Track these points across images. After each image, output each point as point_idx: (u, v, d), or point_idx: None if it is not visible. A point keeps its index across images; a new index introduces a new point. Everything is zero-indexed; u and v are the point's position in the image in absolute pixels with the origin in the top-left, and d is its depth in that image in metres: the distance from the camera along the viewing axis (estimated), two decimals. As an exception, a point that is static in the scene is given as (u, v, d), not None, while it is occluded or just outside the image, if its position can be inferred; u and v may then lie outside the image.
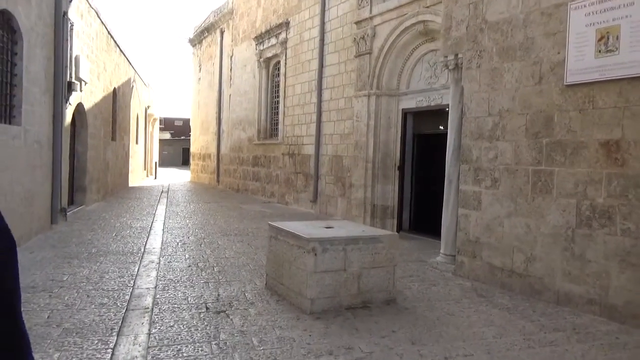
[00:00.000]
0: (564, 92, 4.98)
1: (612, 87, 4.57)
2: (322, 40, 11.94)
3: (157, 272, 5.87)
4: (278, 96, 14.72)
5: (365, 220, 9.74)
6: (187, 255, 6.91)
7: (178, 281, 5.52)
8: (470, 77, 6.06)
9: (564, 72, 4.95)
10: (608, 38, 4.57)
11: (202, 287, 5.29)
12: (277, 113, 14.78)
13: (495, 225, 5.71)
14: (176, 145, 51.18)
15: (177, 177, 27.80)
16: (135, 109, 20.05)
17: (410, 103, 9.30)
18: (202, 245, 7.70)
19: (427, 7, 8.30)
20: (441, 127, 8.77)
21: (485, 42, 5.85)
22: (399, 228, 9.57)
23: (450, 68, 6.39)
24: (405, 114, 9.44)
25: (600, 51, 4.63)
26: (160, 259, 6.63)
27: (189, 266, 6.26)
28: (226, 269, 6.17)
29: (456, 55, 6.27)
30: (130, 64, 17.60)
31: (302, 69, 13.03)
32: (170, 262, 6.48)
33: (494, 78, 5.75)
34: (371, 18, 9.59)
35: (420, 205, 9.48)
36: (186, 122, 46.23)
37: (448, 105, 8.24)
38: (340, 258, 4.56)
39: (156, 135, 31.41)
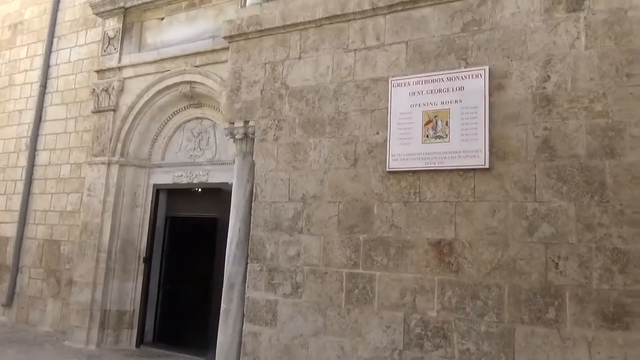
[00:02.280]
0: (385, 179, 4.16)
1: (442, 178, 3.94)
2: (43, 86, 9.09)
3: None
4: (-36, 153, 10.56)
5: (90, 333, 7.00)
6: None
7: None
8: (265, 151, 4.78)
9: (386, 156, 4.15)
10: (437, 122, 3.99)
11: None
12: (-40, 176, 10.51)
13: (297, 347, 4.28)
14: None
15: None
16: None
17: (165, 178, 7.43)
18: None
19: (197, 66, 6.90)
20: (195, 212, 7.18)
21: (286, 111, 4.74)
22: (140, 341, 7.18)
23: (237, 138, 5.00)
24: (158, 191, 7.49)
25: (428, 136, 4.01)
26: None
27: None
28: None
29: (246, 122, 4.95)
30: None
31: (9, 121, 9.65)
32: None
33: (296, 155, 4.61)
34: (120, 69, 7.60)
35: (172, 310, 7.38)
36: None
37: (216, 184, 6.82)
38: None
39: None
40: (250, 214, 4.83)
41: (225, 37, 5.23)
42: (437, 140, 3.95)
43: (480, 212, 3.76)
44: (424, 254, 3.91)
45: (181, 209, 7.49)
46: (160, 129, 7.58)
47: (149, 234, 7.38)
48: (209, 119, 7.23)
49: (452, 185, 3.88)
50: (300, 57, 4.76)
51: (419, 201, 3.99)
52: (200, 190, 7.21)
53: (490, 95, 3.83)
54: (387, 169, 4.11)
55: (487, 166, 3.74)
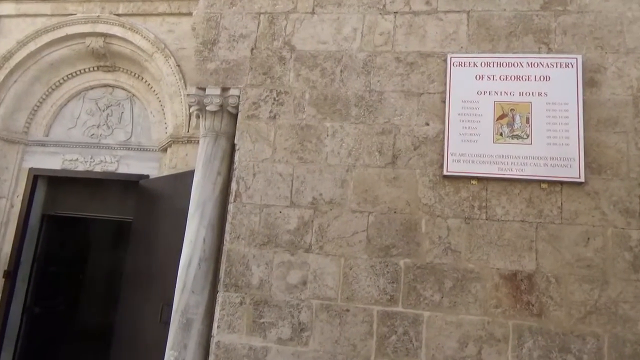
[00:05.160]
0: (439, 186, 3.10)
1: (518, 191, 3.02)
2: None
3: None
4: None
5: None
6: None
7: None
8: (255, 133, 3.39)
9: (442, 155, 3.11)
10: (513, 117, 3.08)
11: None
12: None
13: (298, 417, 2.95)
14: None
15: None
16: None
17: (49, 161, 5.38)
18: None
19: (119, 15, 5.13)
20: (95, 212, 5.32)
21: (291, 81, 3.42)
22: (-13, 391, 4.99)
23: (208, 110, 3.50)
24: (36, 178, 5.39)
25: (501, 134, 3.06)
26: None
27: None
28: None
29: (225, 89, 3.50)
30: None
31: None
32: None
33: (305, 142, 3.31)
34: (-7, 1, 5.39)
35: (43, 344, 5.30)
36: None
37: (131, 176, 5.11)
38: None
39: None
40: (224, 219, 3.38)
41: (198, -31, 3.72)
42: (515, 140, 3.04)
43: (570, 238, 2.91)
44: (493, 289, 2.92)
45: (71, 205, 5.50)
46: (48, 94, 5.54)
47: (17, 237, 5.25)
48: (125, 89, 5.46)
49: (532, 201, 2.99)
50: (313, 12, 3.50)
51: (486, 219, 3.01)
52: (123, 181, 5.35)
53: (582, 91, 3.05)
54: (445, 172, 3.06)
55: (582, 180, 2.92)
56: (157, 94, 5.26)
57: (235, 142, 3.42)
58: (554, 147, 2.98)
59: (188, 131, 4.77)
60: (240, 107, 3.46)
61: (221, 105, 3.51)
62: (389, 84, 3.29)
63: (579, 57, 3.07)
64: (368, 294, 3.03)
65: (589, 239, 2.90)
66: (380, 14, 3.41)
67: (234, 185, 3.35)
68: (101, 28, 5.18)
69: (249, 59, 3.51)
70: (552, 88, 3.06)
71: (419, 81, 3.26)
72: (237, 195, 3.32)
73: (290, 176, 3.28)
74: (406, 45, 3.33)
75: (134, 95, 5.43)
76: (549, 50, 3.16)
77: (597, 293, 2.83)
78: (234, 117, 3.51)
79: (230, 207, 3.33)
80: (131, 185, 5.10)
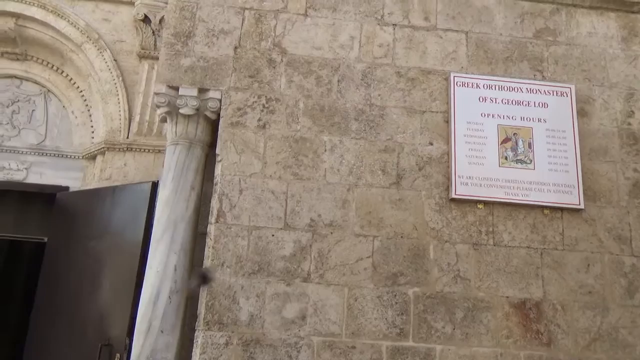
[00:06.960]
0: (446, 209, 2.93)
1: (523, 216, 2.96)
2: None
3: None
4: None
5: None
6: None
7: None
8: (241, 143, 2.93)
9: (449, 176, 2.95)
10: (517, 142, 3.04)
11: None
12: None
13: None
14: None
15: None
16: None
17: None
18: None
19: (40, -7, 4.29)
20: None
21: (282, 87, 3.04)
22: None
23: (182, 113, 2.97)
24: None
25: (506, 158, 3.00)
26: None
27: None
28: None
29: (203, 91, 3.00)
30: None
31: None
32: None
33: (300, 157, 2.94)
34: None
35: None
36: None
37: (44, 187, 4.27)
38: None
39: None
40: (195, 244, 2.86)
41: (170, -51, 3.19)
42: (519, 165, 2.99)
43: (572, 264, 2.92)
44: (503, 318, 2.80)
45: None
46: None
47: None
48: (39, 83, 4.60)
49: (536, 227, 2.95)
50: (306, 14, 3.18)
51: (494, 244, 2.91)
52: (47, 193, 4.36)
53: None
54: (453, 195, 2.91)
55: (581, 206, 2.96)
56: (82, 91, 4.47)
57: (217, 152, 2.93)
58: (555, 174, 3.00)
59: (128, 137, 4.09)
60: (222, 112, 2.98)
61: (197, 109, 2.99)
62: (391, 99, 3.08)
63: (572, 87, 3.16)
64: (376, 328, 2.73)
65: (589, 265, 2.93)
66: (379, 24, 3.21)
67: (215, 203, 2.84)
68: (13, 7, 4.28)
69: (232, 58, 3.06)
70: (550, 115, 3.09)
71: (421, 98, 3.10)
72: (220, 214, 2.82)
73: (284, 194, 2.88)
74: (407, 60, 3.16)
75: (49, 90, 4.55)
76: (543, 78, 3.21)
77: (599, 320, 2.85)
78: (212, 123, 3.03)
79: (212, 228, 2.81)
80: (44, 198, 4.22)
